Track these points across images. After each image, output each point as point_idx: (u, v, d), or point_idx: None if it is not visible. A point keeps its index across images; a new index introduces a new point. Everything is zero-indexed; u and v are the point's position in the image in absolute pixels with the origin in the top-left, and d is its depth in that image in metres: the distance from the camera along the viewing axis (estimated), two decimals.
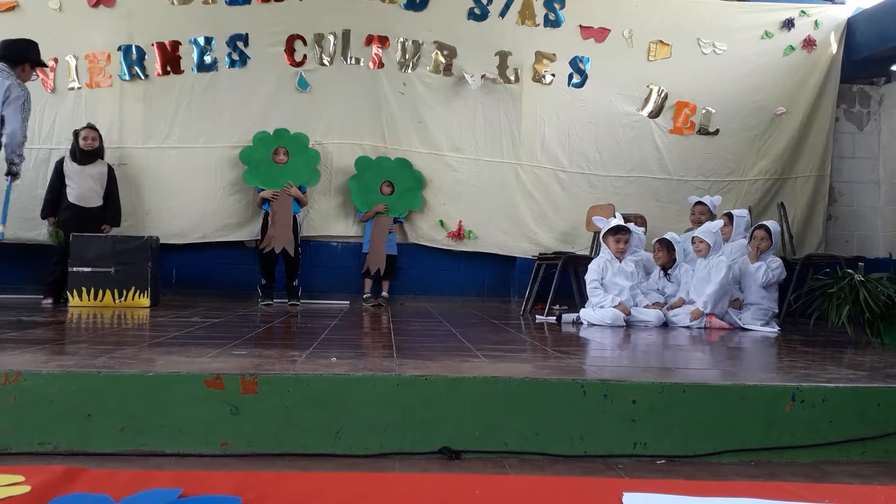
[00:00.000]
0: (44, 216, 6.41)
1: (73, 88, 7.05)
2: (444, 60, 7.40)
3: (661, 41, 7.56)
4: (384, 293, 7.18)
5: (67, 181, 6.35)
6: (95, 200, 6.43)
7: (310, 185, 7.06)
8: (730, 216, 6.00)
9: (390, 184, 7.25)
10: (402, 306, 6.65)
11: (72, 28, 7.02)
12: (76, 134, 6.44)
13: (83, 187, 6.37)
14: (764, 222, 5.87)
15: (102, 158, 6.55)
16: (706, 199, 6.31)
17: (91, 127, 6.51)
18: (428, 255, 7.48)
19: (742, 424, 2.40)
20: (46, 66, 6.05)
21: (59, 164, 6.43)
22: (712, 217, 6.06)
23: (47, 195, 6.40)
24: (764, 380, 2.61)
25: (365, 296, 7.14)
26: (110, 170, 6.59)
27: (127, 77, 7.09)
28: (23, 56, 5.49)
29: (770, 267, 5.60)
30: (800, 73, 7.63)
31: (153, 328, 4.15)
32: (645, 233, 6.13)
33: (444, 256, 7.50)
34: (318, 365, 2.64)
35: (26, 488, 1.76)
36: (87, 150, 6.39)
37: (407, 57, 7.38)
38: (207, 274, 7.30)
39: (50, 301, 6.10)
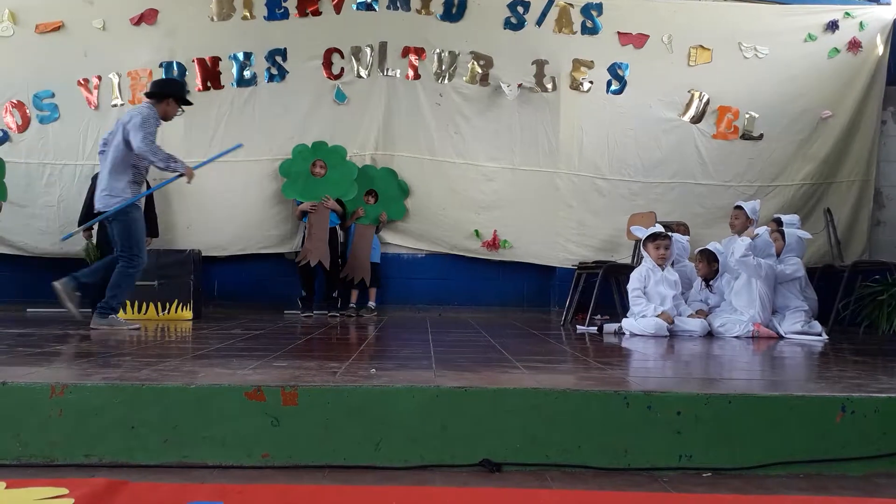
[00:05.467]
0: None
1: (115, 105, 7.19)
2: (480, 70, 7.40)
3: (702, 46, 7.46)
4: (371, 303, 7.11)
5: None
6: None
7: (346, 197, 7.08)
8: (778, 221, 5.87)
9: (374, 193, 7.22)
10: (440, 317, 6.60)
11: (115, 46, 7.18)
12: None
13: None
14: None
15: None
16: (744, 204, 6.17)
17: None
18: (466, 265, 7.47)
19: (790, 436, 2.34)
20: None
21: (96, 178, 6.48)
22: (750, 222, 5.92)
23: (84, 210, 6.41)
24: (812, 390, 2.54)
25: (351, 306, 7.05)
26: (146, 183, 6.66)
27: None
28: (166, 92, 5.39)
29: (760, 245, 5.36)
30: (845, 76, 7.47)
31: (196, 340, 4.19)
32: (689, 241, 6.02)
33: (484, 266, 7.47)
34: (357, 376, 2.63)
35: (70, 501, 1.79)
36: None
37: (443, 68, 7.40)
38: (249, 286, 7.38)
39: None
